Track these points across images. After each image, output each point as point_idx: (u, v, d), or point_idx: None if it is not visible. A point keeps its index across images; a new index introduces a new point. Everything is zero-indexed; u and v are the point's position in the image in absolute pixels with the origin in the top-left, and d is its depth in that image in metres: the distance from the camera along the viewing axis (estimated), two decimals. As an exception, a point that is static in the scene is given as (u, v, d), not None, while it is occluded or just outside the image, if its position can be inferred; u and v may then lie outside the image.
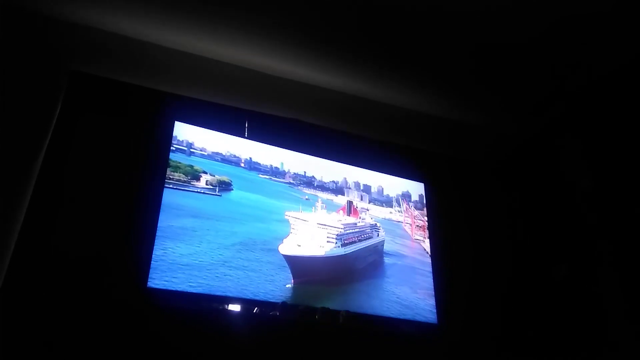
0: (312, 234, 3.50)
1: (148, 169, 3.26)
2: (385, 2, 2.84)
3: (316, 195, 3.77)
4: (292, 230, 3.46)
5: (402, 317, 3.47)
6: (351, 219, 3.82)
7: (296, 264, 3.32)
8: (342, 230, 3.62)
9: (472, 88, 3.56)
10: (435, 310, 3.59)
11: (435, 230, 4.01)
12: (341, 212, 3.81)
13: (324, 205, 3.69)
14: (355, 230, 3.79)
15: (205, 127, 3.59)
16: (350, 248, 3.65)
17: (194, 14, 2.97)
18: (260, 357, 2.78)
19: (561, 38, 3.04)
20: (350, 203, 3.88)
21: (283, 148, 3.82)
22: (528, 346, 3.53)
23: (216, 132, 3.63)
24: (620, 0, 2.76)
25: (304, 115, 3.85)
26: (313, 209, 3.64)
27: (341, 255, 3.56)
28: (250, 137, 3.70)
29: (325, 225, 3.57)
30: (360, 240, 3.77)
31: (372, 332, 3.21)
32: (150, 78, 3.48)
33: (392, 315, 3.46)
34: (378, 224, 3.97)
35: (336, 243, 3.55)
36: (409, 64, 3.36)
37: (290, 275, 3.29)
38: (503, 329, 3.65)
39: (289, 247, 3.35)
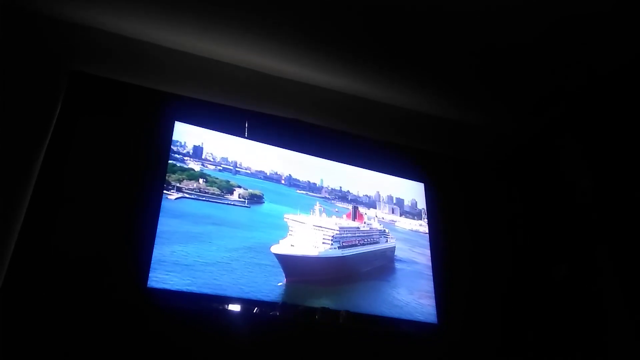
0: (308, 235, 3.52)
1: (148, 168, 3.26)
2: (386, 2, 2.84)
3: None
4: (289, 232, 3.48)
5: (397, 316, 3.48)
6: (354, 223, 3.83)
7: (288, 263, 3.33)
8: (338, 233, 3.63)
9: (472, 88, 3.56)
10: (432, 311, 3.60)
11: (435, 230, 4.01)
12: (344, 216, 3.82)
13: (322, 208, 3.71)
14: (357, 234, 3.80)
15: (205, 127, 3.59)
16: (350, 251, 3.66)
17: (194, 14, 2.98)
18: (260, 357, 2.78)
19: (561, 38, 3.05)
20: (355, 208, 3.90)
21: (283, 148, 3.82)
22: (528, 346, 3.53)
23: (222, 133, 3.67)
24: (620, 0, 2.77)
25: (304, 115, 3.85)
26: (311, 212, 3.66)
27: (338, 257, 3.57)
28: (250, 137, 3.71)
29: (321, 227, 3.59)
30: (362, 244, 3.78)
31: (372, 332, 3.21)
32: (150, 78, 3.49)
33: (390, 315, 3.47)
34: (387, 230, 3.99)
35: (332, 245, 3.56)
36: (409, 64, 3.36)
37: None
38: (503, 329, 3.65)
39: (281, 247, 3.38)
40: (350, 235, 3.73)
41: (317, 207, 3.69)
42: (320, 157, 3.93)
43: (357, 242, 3.76)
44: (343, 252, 3.61)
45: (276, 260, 3.31)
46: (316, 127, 3.92)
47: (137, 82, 3.48)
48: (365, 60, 3.33)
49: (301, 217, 3.58)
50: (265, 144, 3.77)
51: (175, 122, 3.46)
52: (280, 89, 3.58)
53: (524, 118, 3.83)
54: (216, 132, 3.64)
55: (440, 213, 4.10)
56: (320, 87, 3.59)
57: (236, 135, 3.69)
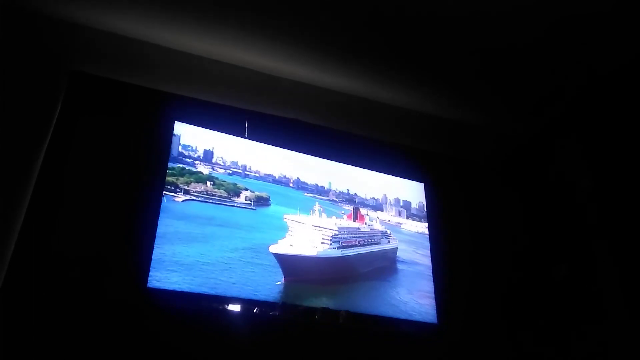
0: (307, 235, 3.52)
1: (148, 168, 3.26)
2: (386, 3, 2.84)
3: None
4: (289, 232, 3.49)
5: (397, 316, 3.48)
6: (354, 224, 3.84)
7: (286, 262, 3.34)
8: (338, 233, 3.63)
9: (472, 88, 3.56)
10: (430, 311, 3.60)
11: (435, 230, 4.01)
12: (345, 217, 3.82)
13: (322, 208, 3.72)
14: (357, 234, 3.80)
15: (205, 127, 3.60)
16: (350, 251, 3.66)
17: (194, 14, 2.98)
18: (260, 357, 2.78)
19: (561, 38, 3.04)
20: (356, 209, 3.91)
21: (283, 148, 3.82)
22: (528, 346, 3.53)
23: (221, 133, 3.67)
24: (620, 0, 2.77)
25: (304, 115, 3.85)
26: (311, 212, 3.66)
27: (337, 257, 3.57)
28: (250, 137, 3.71)
29: (320, 227, 3.60)
30: (363, 245, 3.79)
31: (372, 332, 3.21)
32: (150, 78, 3.49)
33: (390, 315, 3.47)
34: (389, 232, 4.00)
35: (331, 245, 3.57)
36: (409, 64, 3.36)
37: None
38: (503, 329, 3.65)
39: (280, 247, 3.39)
40: (350, 235, 3.73)
41: (316, 207, 3.69)
42: (320, 157, 3.93)
43: (357, 242, 3.76)
44: (342, 252, 3.61)
45: (275, 259, 3.31)
46: (316, 127, 3.92)
47: (137, 82, 3.47)
48: (366, 60, 3.33)
49: (300, 217, 3.59)
50: (270, 145, 3.78)
51: (176, 122, 3.46)
52: (280, 89, 3.58)
53: (524, 118, 3.82)
54: (220, 133, 3.64)
55: (440, 213, 4.10)
56: (320, 87, 3.59)
57: (236, 135, 3.69)
